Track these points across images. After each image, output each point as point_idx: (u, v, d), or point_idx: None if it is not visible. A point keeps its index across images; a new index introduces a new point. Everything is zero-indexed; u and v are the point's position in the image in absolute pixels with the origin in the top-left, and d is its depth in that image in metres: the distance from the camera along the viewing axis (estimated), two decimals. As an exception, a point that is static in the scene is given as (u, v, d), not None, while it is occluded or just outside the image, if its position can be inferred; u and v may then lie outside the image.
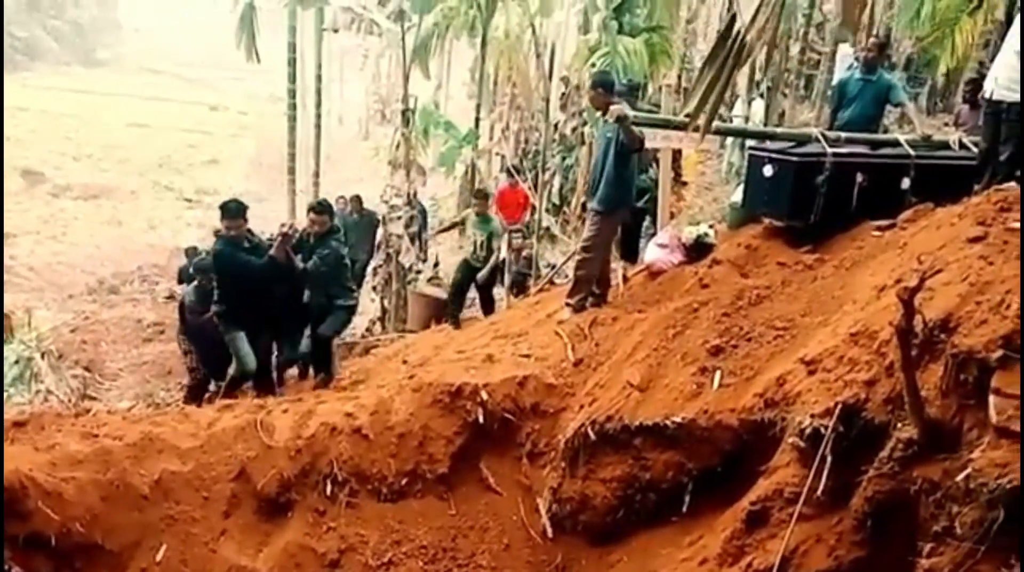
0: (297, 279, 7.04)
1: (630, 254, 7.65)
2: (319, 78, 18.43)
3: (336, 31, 15.64)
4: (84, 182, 23.71)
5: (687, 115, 5.24)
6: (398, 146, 12.71)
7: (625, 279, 6.76)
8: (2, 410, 4.87)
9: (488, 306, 9.48)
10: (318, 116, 18.23)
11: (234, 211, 6.60)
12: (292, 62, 16.03)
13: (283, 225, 6.99)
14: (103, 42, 49.91)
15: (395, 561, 4.55)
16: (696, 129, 5.44)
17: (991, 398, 2.81)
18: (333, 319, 7.26)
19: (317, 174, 17.50)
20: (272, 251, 6.65)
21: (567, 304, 6.31)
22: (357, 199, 12.26)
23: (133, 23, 54.49)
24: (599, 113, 6.31)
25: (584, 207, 7.52)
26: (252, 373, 6.98)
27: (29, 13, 45.06)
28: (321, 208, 7.20)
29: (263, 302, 6.81)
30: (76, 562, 4.38)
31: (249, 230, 6.77)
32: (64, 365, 9.47)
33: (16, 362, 8.11)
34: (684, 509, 4.30)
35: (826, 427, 3.42)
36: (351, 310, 7.60)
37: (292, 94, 16.46)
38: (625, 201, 6.29)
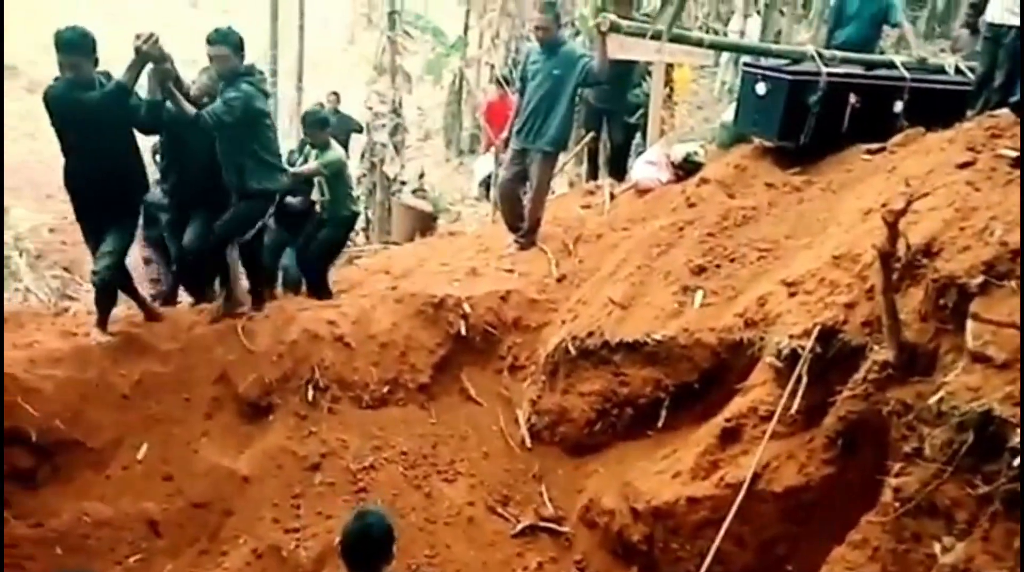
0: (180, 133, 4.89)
1: (618, 171, 7.57)
2: (303, -24, 17.71)
3: (321, -74, 14.93)
4: (55, 76, 22.94)
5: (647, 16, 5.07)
6: (383, 51, 12.34)
7: (612, 197, 6.70)
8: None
9: (319, 287, 6.01)
10: (301, 16, 17.60)
11: (68, 41, 4.48)
12: (274, -44, 15.36)
13: (138, 36, 4.46)
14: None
15: (376, 466, 4.64)
16: (657, 36, 5.24)
17: (968, 323, 2.84)
18: (233, 212, 5.10)
19: (300, 78, 17.01)
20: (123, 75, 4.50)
21: (517, 242, 6.18)
22: (335, 95, 11.76)
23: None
24: (538, 43, 5.93)
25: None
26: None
27: None
28: (219, 36, 4.85)
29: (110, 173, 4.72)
30: (56, 457, 4.45)
31: (104, 73, 4.64)
32: (43, 265, 9.38)
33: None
34: (660, 424, 4.39)
35: (803, 348, 3.46)
36: (267, 198, 5.17)
37: (275, -8, 15.83)
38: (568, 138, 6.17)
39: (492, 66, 15.90)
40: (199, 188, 5.15)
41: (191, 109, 4.74)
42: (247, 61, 4.99)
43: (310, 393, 4.86)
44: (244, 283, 5.57)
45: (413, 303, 5.27)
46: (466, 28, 17.01)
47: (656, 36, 5.38)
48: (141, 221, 5.40)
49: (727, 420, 3.82)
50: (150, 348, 4.85)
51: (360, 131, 12.10)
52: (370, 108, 12.26)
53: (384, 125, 11.93)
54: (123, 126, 4.69)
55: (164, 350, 4.86)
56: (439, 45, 15.87)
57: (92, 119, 4.52)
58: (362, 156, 12.33)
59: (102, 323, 4.91)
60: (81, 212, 4.90)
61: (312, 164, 5.79)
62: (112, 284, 4.89)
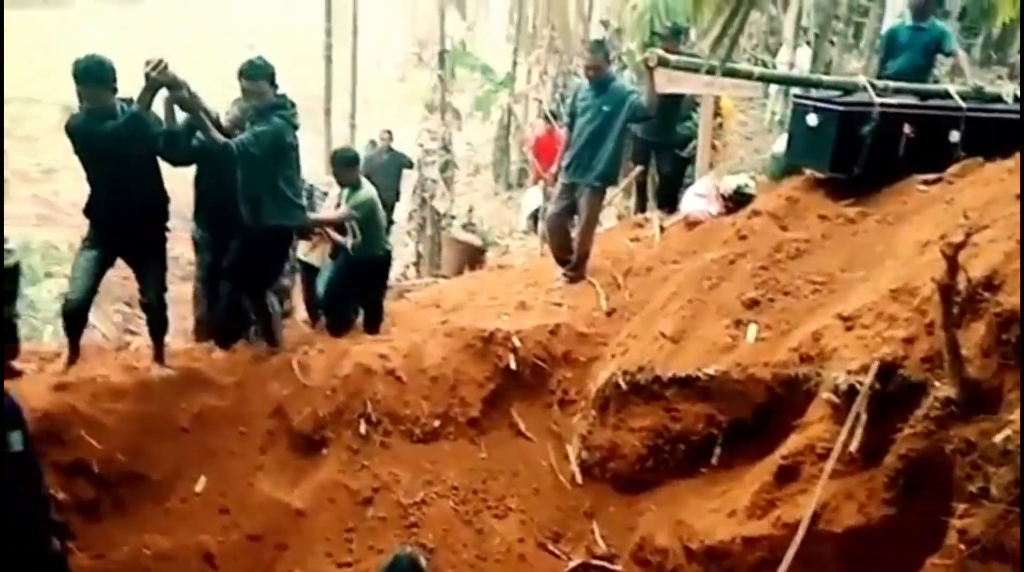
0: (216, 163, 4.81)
1: (668, 204, 7.54)
2: (355, 17, 18.22)
3: (374, -31, 15.38)
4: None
5: (711, 47, 5.08)
6: (434, 89, 12.59)
7: (661, 229, 6.68)
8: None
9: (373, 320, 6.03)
10: (354, 57, 18.08)
11: (86, 71, 4.44)
12: None
13: (147, 62, 4.40)
14: (140, -22, 49.70)
15: (427, 501, 4.65)
16: (711, 71, 5.25)
17: (1034, 359, 2.75)
18: (246, 251, 4.95)
19: (353, 116, 17.44)
20: (136, 102, 4.46)
21: (566, 275, 6.22)
22: (388, 133, 12.04)
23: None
24: (588, 80, 6.04)
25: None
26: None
27: (68, -52, 45.05)
28: (252, 69, 4.74)
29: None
30: (117, 489, 4.55)
31: (127, 101, 4.56)
32: (105, 301, 9.68)
33: (59, 297, 8.28)
34: (714, 461, 4.32)
35: (862, 384, 3.38)
36: (281, 235, 5.05)
37: (328, 33, 16.30)
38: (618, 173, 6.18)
39: (540, 101, 16.08)
40: (233, 221, 4.99)
41: (219, 138, 4.66)
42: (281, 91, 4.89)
43: (362, 427, 4.91)
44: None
45: (463, 337, 5.31)
46: (514, 65, 17.27)
47: (710, 71, 5.39)
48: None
49: (783, 458, 3.74)
50: (208, 382, 4.96)
51: (411, 167, 12.31)
52: (421, 145, 12.50)
53: (434, 161, 12.15)
54: (142, 155, 4.62)
55: (222, 384, 4.97)
56: (488, 82, 16.11)
57: (109, 148, 4.51)
58: (413, 192, 12.54)
59: (159, 357, 5.04)
60: (102, 241, 4.83)
61: (342, 209, 5.66)
62: (165, 311, 4.98)
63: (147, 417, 4.68)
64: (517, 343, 5.23)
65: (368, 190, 5.77)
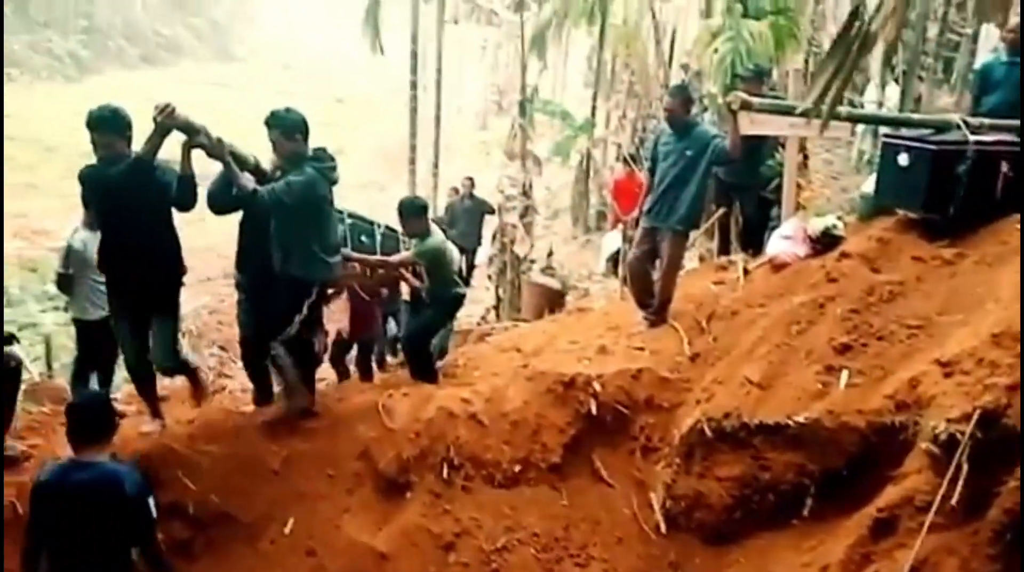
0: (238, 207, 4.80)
1: (752, 246, 7.43)
2: (439, 70, 18.79)
3: (456, 22, 15.89)
4: (220, 170, 25.13)
5: (812, 103, 5.03)
6: (514, 136, 12.81)
7: (746, 272, 6.57)
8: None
9: (424, 368, 6.09)
10: (438, 108, 18.60)
11: (100, 120, 4.46)
12: (414, 54, 16.41)
13: (156, 106, 4.35)
14: (239, 38, 52.59)
15: (509, 547, 4.63)
16: (818, 116, 5.19)
17: None
18: (274, 298, 4.92)
19: (436, 164, 17.88)
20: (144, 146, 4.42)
21: (647, 319, 6.19)
22: (470, 180, 12.34)
23: (266, 20, 57.07)
24: (668, 123, 6.08)
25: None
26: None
27: (173, 11, 48.24)
28: (274, 121, 4.77)
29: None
30: (210, 530, 4.69)
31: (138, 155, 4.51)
32: (202, 344, 10.12)
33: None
34: (805, 512, 4.16)
35: (963, 433, 3.23)
36: (305, 287, 4.93)
37: (413, 86, 16.85)
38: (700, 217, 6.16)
39: (619, 145, 16.15)
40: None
41: (248, 185, 4.59)
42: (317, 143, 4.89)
43: (445, 471, 4.94)
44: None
45: (544, 381, 5.30)
46: (593, 110, 17.42)
47: (804, 114, 5.33)
48: None
49: (879, 510, 3.58)
50: (298, 425, 5.10)
51: (493, 213, 12.53)
52: (502, 191, 12.70)
53: (515, 207, 12.30)
54: (149, 202, 4.52)
55: (311, 427, 5.10)
56: (567, 127, 16.28)
57: (114, 195, 4.50)
58: (494, 237, 12.72)
59: (156, 413, 5.10)
60: (113, 289, 4.81)
61: (402, 254, 5.85)
62: (183, 364, 5.02)
63: (240, 459, 4.84)
64: (599, 388, 5.19)
65: (434, 239, 5.80)
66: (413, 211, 5.77)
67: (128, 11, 45.23)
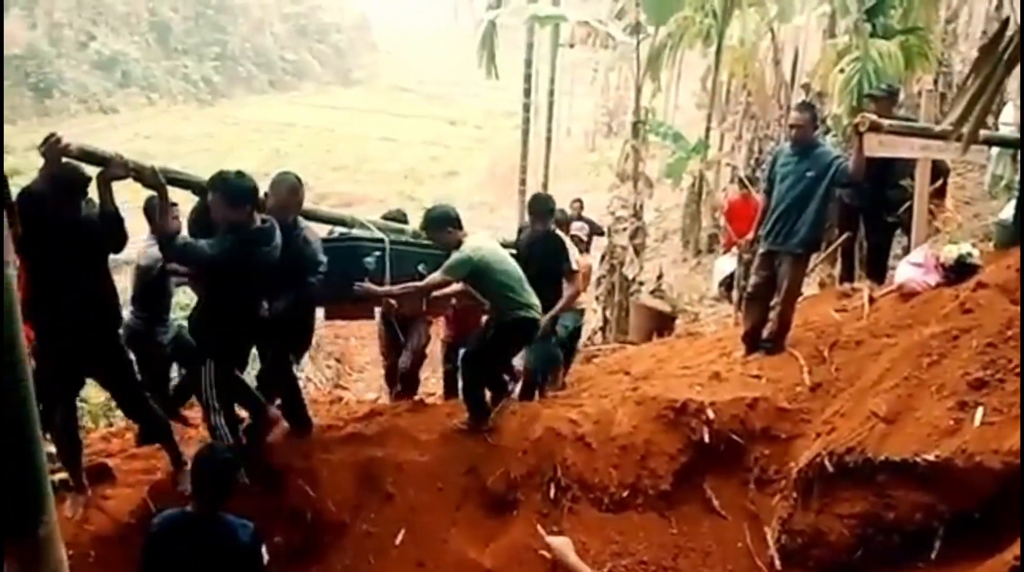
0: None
1: (877, 273, 7.10)
2: (551, 93, 18.94)
3: (572, 46, 15.99)
4: (340, 191, 26.28)
5: (951, 124, 4.78)
6: (627, 157, 12.73)
7: (871, 300, 6.28)
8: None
9: (473, 403, 5.31)
10: (549, 130, 18.74)
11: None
12: (528, 78, 16.61)
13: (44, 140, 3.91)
14: (359, 63, 54.77)
15: (616, 572, 4.56)
16: (959, 139, 4.95)
17: None
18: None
19: (545, 186, 17.99)
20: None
21: (763, 346, 5.96)
22: (579, 202, 12.32)
23: (385, 45, 59.25)
24: (792, 141, 5.88)
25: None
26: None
27: (299, 38, 50.87)
28: (225, 189, 4.30)
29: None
30: (325, 537, 4.83)
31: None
32: (320, 356, 10.50)
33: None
34: (933, 555, 3.91)
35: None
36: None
37: (526, 108, 17.04)
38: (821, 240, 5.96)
39: (733, 167, 15.81)
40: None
41: (170, 229, 4.25)
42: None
43: (552, 491, 4.92)
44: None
45: (654, 406, 5.21)
46: (707, 131, 17.15)
47: (943, 135, 5.06)
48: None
49: (1016, 558, 3.32)
50: (411, 437, 5.21)
51: (602, 234, 12.47)
52: (612, 213, 12.61)
53: (625, 228, 12.20)
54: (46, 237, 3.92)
55: (423, 440, 5.19)
56: (679, 149, 16.07)
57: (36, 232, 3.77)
58: (603, 258, 12.65)
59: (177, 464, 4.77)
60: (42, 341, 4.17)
61: (432, 276, 5.00)
62: (145, 417, 4.71)
63: (356, 468, 4.97)
64: (711, 415, 5.06)
65: (464, 250, 4.85)
66: (435, 221, 4.93)
67: (258, 38, 48.02)
